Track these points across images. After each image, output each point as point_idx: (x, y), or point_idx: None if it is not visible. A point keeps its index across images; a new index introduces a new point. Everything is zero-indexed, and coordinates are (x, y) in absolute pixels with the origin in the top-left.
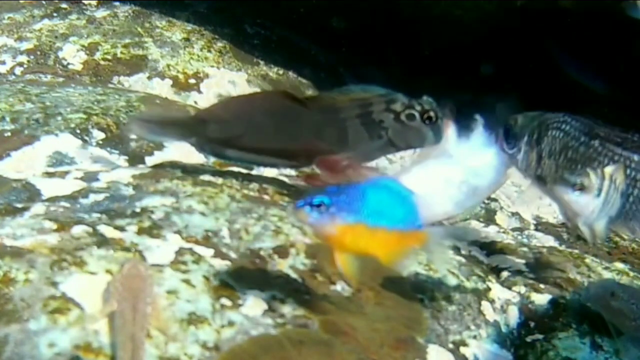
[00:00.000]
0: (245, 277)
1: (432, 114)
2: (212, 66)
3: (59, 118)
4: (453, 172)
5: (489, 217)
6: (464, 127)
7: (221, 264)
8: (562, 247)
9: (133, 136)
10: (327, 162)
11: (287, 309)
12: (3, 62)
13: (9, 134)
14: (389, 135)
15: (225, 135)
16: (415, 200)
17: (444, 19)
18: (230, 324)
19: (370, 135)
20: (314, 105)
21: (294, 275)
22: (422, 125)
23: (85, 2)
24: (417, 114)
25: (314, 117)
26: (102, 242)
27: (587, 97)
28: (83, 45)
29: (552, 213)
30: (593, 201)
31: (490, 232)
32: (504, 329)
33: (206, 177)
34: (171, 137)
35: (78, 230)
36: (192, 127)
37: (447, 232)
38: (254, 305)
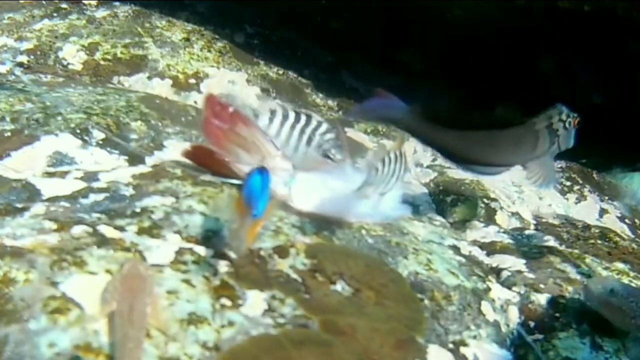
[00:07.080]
0: (245, 277)
1: (579, 120)
2: (212, 66)
3: (59, 118)
4: (336, 183)
5: (489, 217)
6: None
7: (221, 264)
8: (562, 247)
9: (133, 136)
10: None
11: (287, 309)
12: (3, 62)
13: (9, 134)
14: (559, 141)
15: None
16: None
17: (444, 19)
18: (230, 324)
19: (550, 141)
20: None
21: (294, 275)
22: (571, 129)
23: (85, 2)
24: (571, 121)
25: (517, 131)
26: (102, 242)
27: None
28: (83, 45)
29: (551, 213)
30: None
31: (490, 232)
32: (504, 329)
33: (206, 177)
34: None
35: (78, 230)
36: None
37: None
38: (254, 305)
